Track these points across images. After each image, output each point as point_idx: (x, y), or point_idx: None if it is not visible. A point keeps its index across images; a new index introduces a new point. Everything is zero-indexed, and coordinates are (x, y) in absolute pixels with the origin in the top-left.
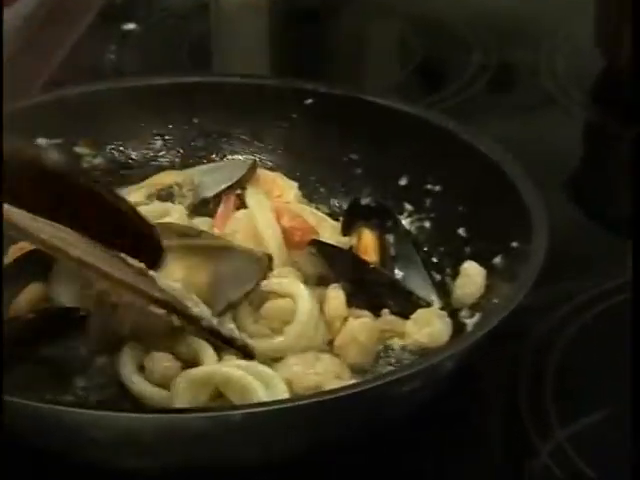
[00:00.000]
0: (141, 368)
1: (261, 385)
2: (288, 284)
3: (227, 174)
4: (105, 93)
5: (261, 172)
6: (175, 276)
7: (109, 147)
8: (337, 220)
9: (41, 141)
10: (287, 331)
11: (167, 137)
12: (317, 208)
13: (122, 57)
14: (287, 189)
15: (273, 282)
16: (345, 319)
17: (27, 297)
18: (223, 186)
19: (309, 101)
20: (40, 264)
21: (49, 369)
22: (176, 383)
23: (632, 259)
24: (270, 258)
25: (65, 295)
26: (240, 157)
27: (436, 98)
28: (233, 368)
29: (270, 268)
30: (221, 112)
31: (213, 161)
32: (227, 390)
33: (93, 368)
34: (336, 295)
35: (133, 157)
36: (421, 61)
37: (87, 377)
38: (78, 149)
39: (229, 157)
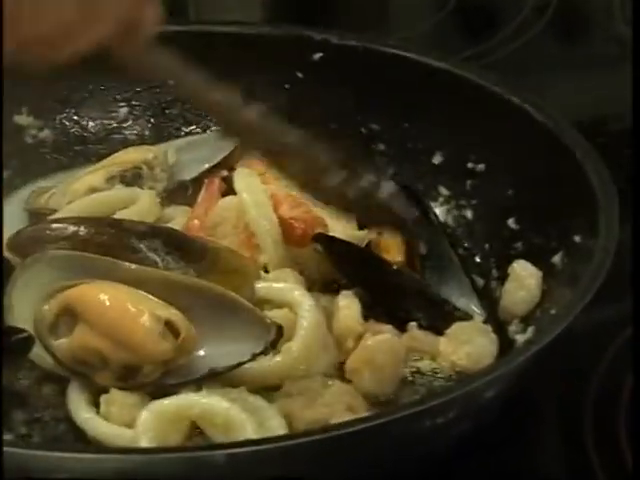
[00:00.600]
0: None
1: (251, 420)
2: (286, 290)
3: (210, 151)
4: None
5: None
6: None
7: (59, 117)
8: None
9: None
10: (286, 350)
11: (134, 103)
12: None
13: None
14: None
15: (268, 287)
16: (360, 336)
17: None
18: (206, 166)
19: (318, 55)
20: None
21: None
22: (141, 418)
23: (632, 261)
24: (281, 330)
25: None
26: None
27: (478, 50)
28: (216, 399)
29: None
30: (204, 70)
31: (192, 134)
32: (207, 426)
33: (37, 398)
34: (348, 305)
35: (90, 129)
36: (458, 2)
37: (30, 410)
38: (19, 119)
39: (214, 129)
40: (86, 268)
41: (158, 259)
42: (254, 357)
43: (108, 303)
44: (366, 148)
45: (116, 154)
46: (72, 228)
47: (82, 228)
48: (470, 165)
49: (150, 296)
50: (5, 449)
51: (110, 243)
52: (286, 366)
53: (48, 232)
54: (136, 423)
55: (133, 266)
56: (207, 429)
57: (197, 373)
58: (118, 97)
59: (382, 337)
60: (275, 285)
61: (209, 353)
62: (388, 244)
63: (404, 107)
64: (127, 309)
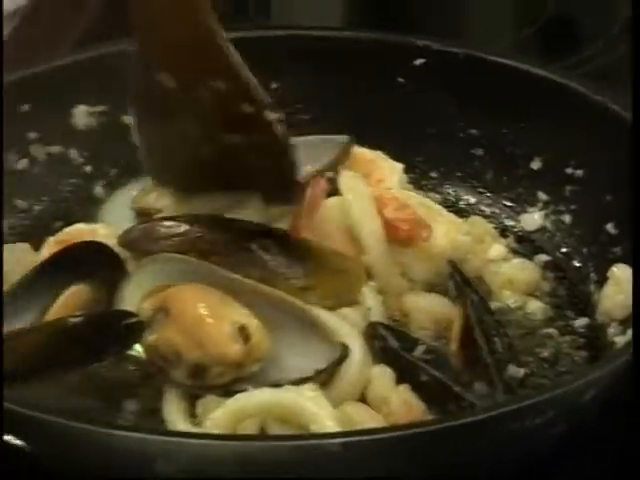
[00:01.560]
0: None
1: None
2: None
3: (316, 153)
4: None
5: (358, 151)
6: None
7: None
8: (452, 211)
9: (80, 109)
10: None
11: None
12: (426, 197)
13: None
14: (390, 172)
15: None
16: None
17: (70, 300)
18: (311, 168)
19: (419, 61)
20: (84, 262)
21: (95, 384)
22: (215, 414)
23: (633, 261)
24: (346, 351)
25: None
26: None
27: (574, 59)
28: (299, 396)
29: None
30: (303, 75)
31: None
32: (280, 424)
33: (145, 389)
34: (381, 373)
35: None
36: (554, 12)
37: (138, 400)
38: (127, 119)
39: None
40: (192, 272)
41: (268, 257)
42: (317, 374)
43: (193, 302)
44: (465, 152)
45: None
46: (184, 227)
47: (194, 227)
48: (569, 171)
49: (235, 302)
50: (126, 434)
51: (222, 242)
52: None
53: (160, 229)
54: (207, 418)
55: (232, 275)
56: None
57: (262, 383)
58: None
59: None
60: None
61: (278, 364)
62: None
63: (503, 113)
64: (208, 309)
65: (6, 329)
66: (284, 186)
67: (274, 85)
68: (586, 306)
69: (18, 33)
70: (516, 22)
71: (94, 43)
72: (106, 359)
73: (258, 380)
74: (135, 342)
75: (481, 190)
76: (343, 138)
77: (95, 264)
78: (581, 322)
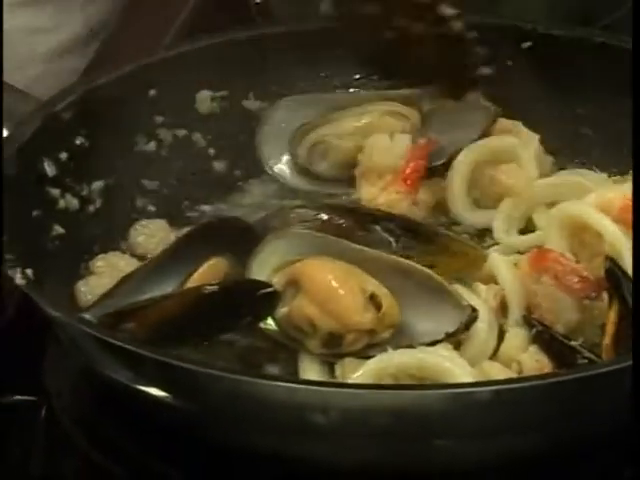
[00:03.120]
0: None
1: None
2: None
3: (466, 119)
4: (278, 38)
5: (499, 120)
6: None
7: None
8: None
9: (204, 94)
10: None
11: (352, 89)
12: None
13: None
14: (529, 140)
15: None
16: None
17: (208, 272)
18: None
19: (527, 44)
20: (222, 236)
21: (232, 351)
22: (358, 373)
23: (632, 259)
24: (475, 313)
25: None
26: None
27: None
28: (438, 355)
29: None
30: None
31: None
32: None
33: (282, 355)
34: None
35: None
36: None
37: (276, 365)
38: (248, 103)
39: None
40: (317, 245)
41: (392, 239)
42: (448, 337)
43: (324, 275)
44: (573, 132)
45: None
46: (313, 212)
47: (323, 213)
48: None
49: (363, 272)
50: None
51: (348, 225)
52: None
53: (292, 216)
54: (348, 379)
55: (356, 246)
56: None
57: (394, 348)
58: (337, 84)
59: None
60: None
61: (408, 330)
62: None
63: (607, 92)
64: (339, 281)
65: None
66: (457, 82)
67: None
68: None
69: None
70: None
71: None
72: (240, 328)
73: (390, 345)
74: (269, 313)
75: (589, 166)
76: (490, 106)
77: (234, 239)
78: None
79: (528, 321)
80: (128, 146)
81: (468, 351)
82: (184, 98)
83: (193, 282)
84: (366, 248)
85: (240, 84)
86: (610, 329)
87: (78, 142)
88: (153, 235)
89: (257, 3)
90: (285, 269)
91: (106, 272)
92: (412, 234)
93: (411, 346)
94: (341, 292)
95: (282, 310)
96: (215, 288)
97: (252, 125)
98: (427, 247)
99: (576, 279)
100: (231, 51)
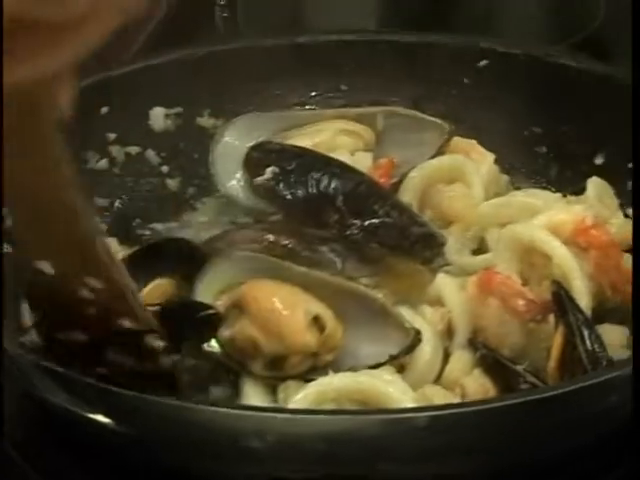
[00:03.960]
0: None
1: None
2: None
3: (421, 137)
4: (235, 54)
5: (454, 139)
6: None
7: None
8: None
9: (157, 111)
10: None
11: (308, 107)
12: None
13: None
14: (483, 159)
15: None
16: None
17: (152, 293)
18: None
19: (483, 63)
20: (169, 257)
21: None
22: (299, 396)
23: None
24: (419, 336)
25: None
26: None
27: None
28: (379, 379)
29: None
30: (374, 77)
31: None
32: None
33: (224, 377)
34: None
35: None
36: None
37: (218, 388)
38: (202, 120)
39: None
40: (262, 268)
41: (338, 260)
42: (391, 359)
43: (267, 297)
44: (529, 150)
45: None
46: (260, 233)
47: (270, 234)
48: (631, 165)
49: (307, 294)
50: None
51: (294, 246)
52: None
53: (238, 236)
54: (289, 402)
55: (301, 269)
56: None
57: (337, 371)
58: (293, 101)
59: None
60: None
61: (352, 353)
62: None
63: (565, 111)
64: (282, 303)
65: None
66: None
67: (344, 87)
68: None
69: None
70: (567, 29)
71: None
72: (182, 350)
73: (333, 368)
74: (212, 335)
75: (545, 185)
76: (444, 124)
77: (181, 260)
78: None
79: (473, 344)
80: (78, 164)
81: (412, 374)
82: (137, 115)
83: None
84: (311, 270)
85: (195, 101)
86: (555, 353)
87: None
88: None
89: (225, 16)
90: (229, 292)
91: None
92: (358, 255)
93: (354, 369)
94: (284, 314)
95: (226, 332)
96: (156, 309)
97: (206, 143)
98: (373, 268)
99: (522, 302)
100: (186, 67)
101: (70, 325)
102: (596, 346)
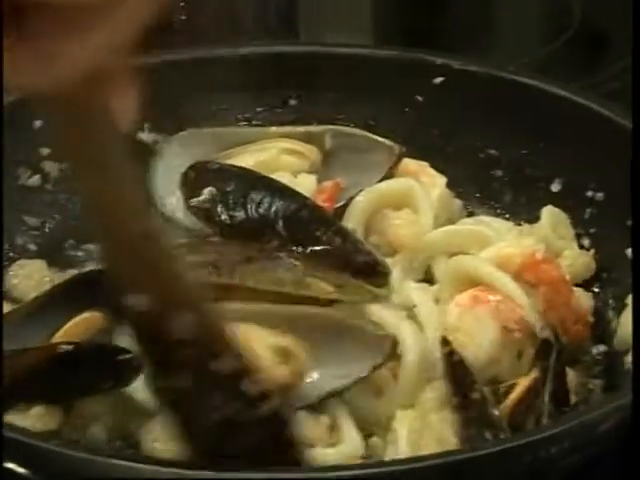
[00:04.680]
0: None
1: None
2: (391, 322)
3: (368, 158)
4: (178, 65)
5: (404, 161)
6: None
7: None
8: None
9: None
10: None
11: (255, 122)
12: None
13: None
14: (434, 184)
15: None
16: None
17: (78, 326)
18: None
19: (439, 80)
20: (100, 289)
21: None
22: None
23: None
24: (395, 342)
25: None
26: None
27: (600, 78)
28: None
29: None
30: (325, 92)
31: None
32: None
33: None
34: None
35: None
36: (579, 26)
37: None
38: (143, 135)
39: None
40: None
41: (298, 263)
42: (374, 370)
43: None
44: (484, 174)
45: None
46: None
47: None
48: (589, 194)
49: (258, 327)
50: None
51: (250, 254)
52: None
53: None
54: None
55: (245, 305)
56: None
57: (315, 396)
58: (239, 117)
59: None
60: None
61: (325, 376)
62: None
63: (523, 133)
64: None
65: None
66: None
67: (293, 102)
68: (604, 333)
69: None
70: (543, 36)
71: None
72: (102, 392)
73: (310, 394)
74: (130, 379)
75: (500, 211)
76: (394, 146)
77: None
78: (598, 349)
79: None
80: (9, 180)
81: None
82: None
83: (59, 337)
84: (248, 303)
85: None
86: (518, 392)
87: None
88: (30, 277)
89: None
90: None
91: None
92: (317, 259)
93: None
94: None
95: None
96: (69, 348)
97: (146, 159)
98: (336, 272)
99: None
100: None
101: (173, 369)
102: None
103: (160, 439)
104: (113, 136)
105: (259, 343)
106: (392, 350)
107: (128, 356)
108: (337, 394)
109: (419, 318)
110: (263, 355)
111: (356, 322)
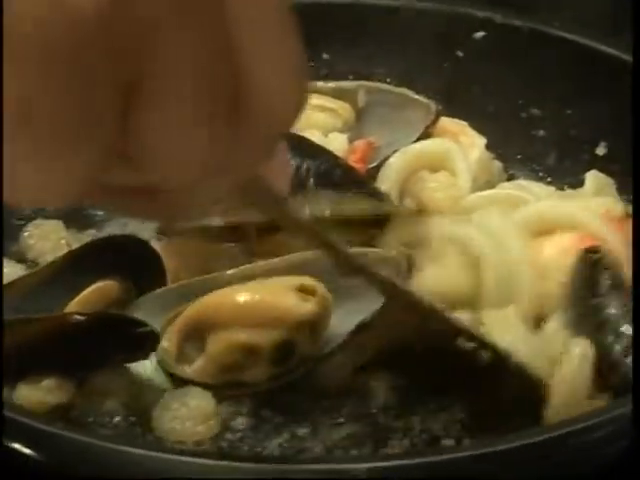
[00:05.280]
0: None
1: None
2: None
3: (406, 116)
4: None
5: (443, 120)
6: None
7: None
8: None
9: None
10: None
11: None
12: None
13: None
14: (473, 145)
15: None
16: None
17: (93, 295)
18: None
19: (479, 34)
20: (116, 257)
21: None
22: None
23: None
24: (411, 259)
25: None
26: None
27: None
28: None
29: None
30: (358, 47)
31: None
32: None
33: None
34: None
35: None
36: None
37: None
38: None
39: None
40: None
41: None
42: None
43: (238, 297)
44: (526, 134)
45: None
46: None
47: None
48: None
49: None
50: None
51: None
52: None
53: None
54: None
55: (231, 271)
56: None
57: (344, 333)
58: None
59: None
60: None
61: (345, 313)
62: None
63: (569, 92)
64: (259, 292)
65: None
66: None
67: (325, 56)
68: None
69: None
70: None
71: None
72: (113, 366)
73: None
74: (145, 355)
75: (542, 174)
76: (431, 104)
77: (128, 261)
78: None
79: None
80: None
81: None
82: None
83: (73, 306)
84: (247, 266)
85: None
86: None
87: None
88: (46, 238)
89: None
90: (172, 326)
91: None
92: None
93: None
94: (268, 298)
95: (195, 366)
96: (81, 318)
97: None
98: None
99: None
100: None
101: None
102: None
103: (178, 418)
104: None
105: (276, 286)
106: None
107: (145, 329)
108: (364, 327)
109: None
110: (286, 293)
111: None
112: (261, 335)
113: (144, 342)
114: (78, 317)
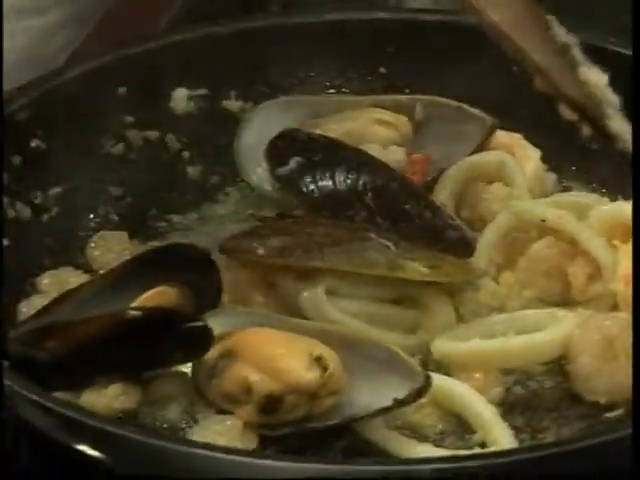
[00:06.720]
0: None
1: None
2: None
3: (461, 130)
4: (266, 31)
5: (497, 133)
6: None
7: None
8: None
9: (180, 92)
10: None
11: (344, 90)
12: None
13: None
14: (528, 157)
15: None
16: None
17: (153, 300)
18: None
19: None
20: (176, 264)
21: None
22: None
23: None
24: (429, 380)
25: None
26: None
27: None
28: None
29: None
30: (411, 61)
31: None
32: None
33: None
34: None
35: None
36: None
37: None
38: (229, 103)
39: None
40: (255, 322)
41: (390, 244)
42: (396, 403)
43: (263, 340)
44: (580, 146)
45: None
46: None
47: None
48: None
49: (306, 338)
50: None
51: (337, 235)
52: None
53: (263, 231)
54: None
55: (300, 320)
56: None
57: (338, 419)
58: (328, 84)
59: None
60: None
61: (354, 400)
62: None
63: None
64: (281, 342)
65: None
66: None
67: (383, 70)
68: None
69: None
70: None
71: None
72: (171, 364)
73: (329, 416)
74: (203, 350)
75: (595, 186)
76: (487, 117)
77: (186, 268)
78: None
79: None
80: (92, 149)
81: None
82: (158, 96)
83: None
84: (307, 321)
85: (221, 82)
86: None
87: (33, 144)
88: (111, 249)
89: None
90: (221, 341)
91: (53, 291)
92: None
93: (354, 417)
94: (283, 351)
95: (214, 382)
96: (137, 314)
97: (232, 128)
98: (427, 252)
99: None
100: (212, 45)
101: None
102: None
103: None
104: None
105: (299, 347)
106: (424, 387)
107: (200, 323)
108: (358, 420)
109: None
110: (299, 356)
111: (398, 353)
112: (260, 378)
113: (198, 338)
114: (134, 312)
